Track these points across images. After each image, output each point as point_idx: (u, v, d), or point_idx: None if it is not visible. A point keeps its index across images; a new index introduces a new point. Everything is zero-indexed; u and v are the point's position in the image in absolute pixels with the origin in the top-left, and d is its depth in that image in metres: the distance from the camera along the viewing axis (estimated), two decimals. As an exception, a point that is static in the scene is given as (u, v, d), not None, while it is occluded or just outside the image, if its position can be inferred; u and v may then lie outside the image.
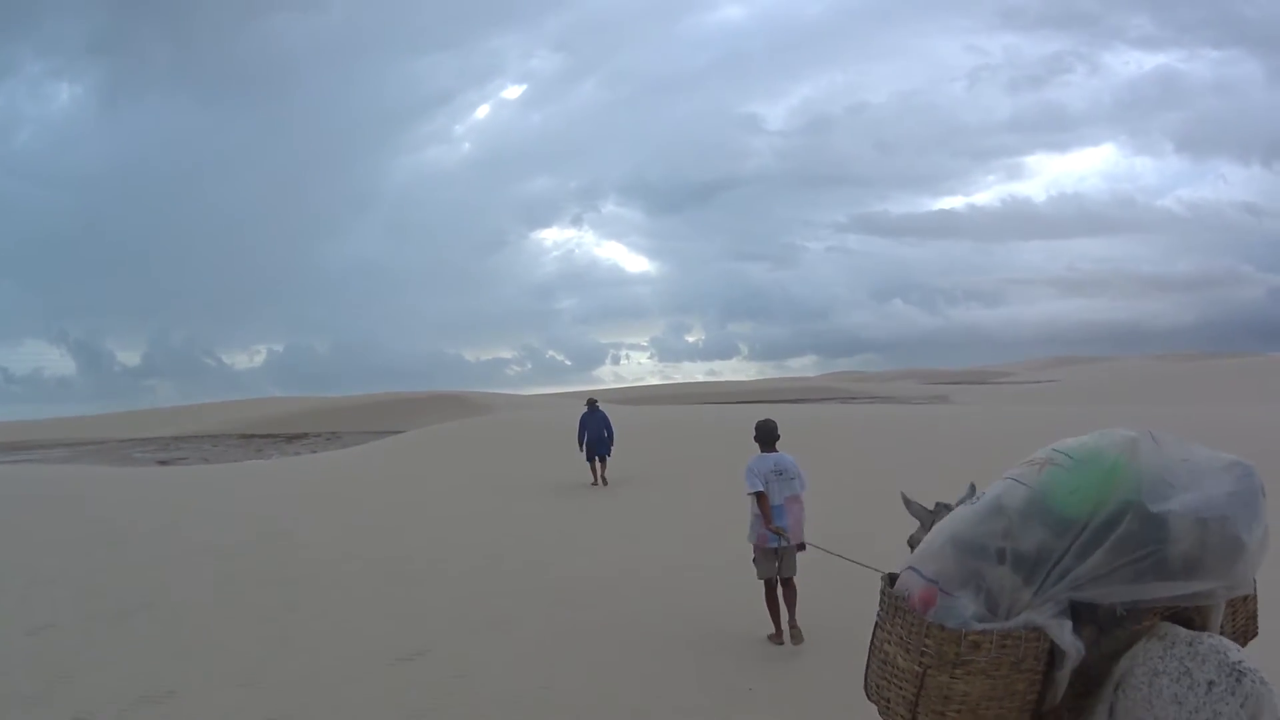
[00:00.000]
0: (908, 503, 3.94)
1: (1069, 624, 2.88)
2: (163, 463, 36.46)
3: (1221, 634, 2.99)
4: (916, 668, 2.97)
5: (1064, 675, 2.90)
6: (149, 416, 64.04)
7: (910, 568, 3.24)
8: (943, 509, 3.67)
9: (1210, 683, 2.64)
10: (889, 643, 3.15)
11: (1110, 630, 2.91)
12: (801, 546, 6.82)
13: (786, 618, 6.88)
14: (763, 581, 6.98)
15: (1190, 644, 2.76)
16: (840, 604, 7.24)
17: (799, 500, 6.90)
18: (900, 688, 3.06)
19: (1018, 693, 2.91)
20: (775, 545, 6.77)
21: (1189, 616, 2.98)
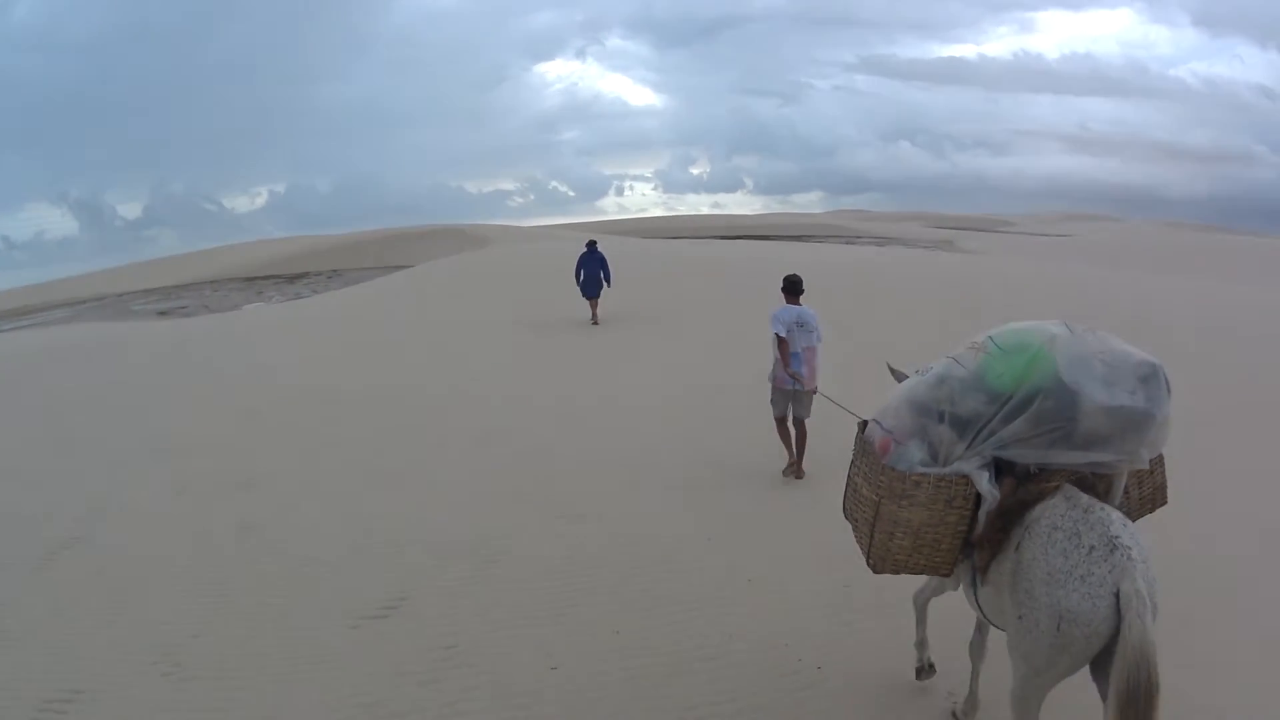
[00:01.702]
0: (891, 370, 4.23)
1: (987, 474, 3.40)
2: (162, 313, 34.60)
3: (1128, 498, 3.54)
4: (874, 497, 3.54)
5: (984, 513, 3.40)
6: (151, 267, 61.10)
7: (874, 419, 3.70)
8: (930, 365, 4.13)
9: (1091, 547, 3.05)
10: (858, 476, 3.73)
11: (1025, 483, 3.37)
12: (813, 391, 6.97)
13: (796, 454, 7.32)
14: (776, 420, 7.42)
15: (1086, 510, 3.16)
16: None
17: (815, 350, 7.18)
18: (864, 511, 3.65)
19: (949, 524, 3.48)
20: (791, 387, 7.12)
21: (1093, 482, 3.37)
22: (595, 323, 15.81)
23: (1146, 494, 3.67)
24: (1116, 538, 3.04)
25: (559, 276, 18.17)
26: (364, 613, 5.43)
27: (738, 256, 27.10)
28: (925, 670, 4.26)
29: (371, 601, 5.56)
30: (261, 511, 7.34)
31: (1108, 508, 3.21)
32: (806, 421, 7.25)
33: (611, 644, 4.83)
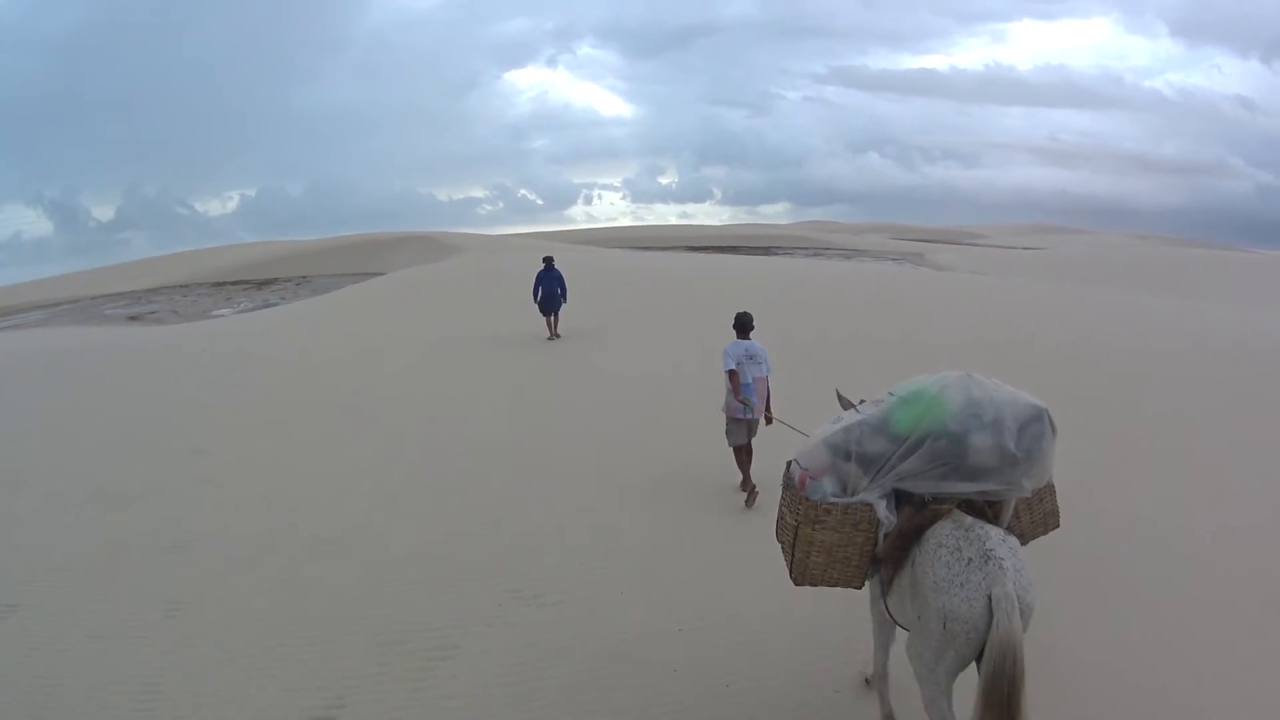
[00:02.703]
0: (840, 398, 4.68)
1: (885, 503, 3.92)
2: (132, 318, 33.26)
3: (1019, 521, 4.05)
4: (794, 522, 4.06)
5: (884, 535, 3.91)
6: (124, 270, 58.86)
7: (795, 459, 4.18)
8: (865, 405, 4.34)
9: (970, 559, 3.49)
10: (783, 505, 4.24)
11: (922, 509, 3.85)
12: (769, 420, 7.23)
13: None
14: (733, 448, 7.61)
15: (968, 529, 3.62)
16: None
17: (764, 380, 7.43)
18: (786, 535, 4.16)
19: (857, 544, 3.98)
20: (743, 416, 7.38)
21: (983, 507, 3.88)
22: (557, 336, 15.66)
23: (1038, 518, 4.18)
24: (991, 550, 3.50)
25: (522, 290, 17.32)
26: (304, 716, 4.70)
27: (701, 270, 26.53)
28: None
29: (304, 710, 4.84)
30: (192, 584, 6.55)
31: (988, 527, 3.66)
32: (753, 440, 7.52)
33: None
